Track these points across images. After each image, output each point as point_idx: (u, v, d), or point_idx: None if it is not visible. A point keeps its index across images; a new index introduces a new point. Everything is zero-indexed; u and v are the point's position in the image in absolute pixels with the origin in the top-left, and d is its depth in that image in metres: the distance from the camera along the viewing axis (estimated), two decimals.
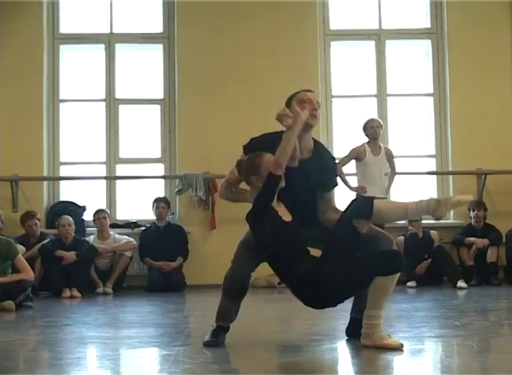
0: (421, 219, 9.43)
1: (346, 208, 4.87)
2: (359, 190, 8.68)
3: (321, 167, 4.97)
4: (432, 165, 10.42)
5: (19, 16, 10.17)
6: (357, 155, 8.90)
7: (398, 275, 4.60)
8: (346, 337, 4.86)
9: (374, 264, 4.60)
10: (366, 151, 8.92)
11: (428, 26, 10.48)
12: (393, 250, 4.86)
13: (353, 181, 8.74)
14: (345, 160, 8.87)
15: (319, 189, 5.04)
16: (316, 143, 5.01)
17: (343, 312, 5.13)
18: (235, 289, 4.86)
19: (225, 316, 4.87)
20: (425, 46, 10.50)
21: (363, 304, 4.62)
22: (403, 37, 10.56)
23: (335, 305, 4.76)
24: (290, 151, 4.60)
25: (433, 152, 10.41)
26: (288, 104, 4.88)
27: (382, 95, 10.40)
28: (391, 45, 10.42)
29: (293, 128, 4.53)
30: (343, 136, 9.87)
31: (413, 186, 10.26)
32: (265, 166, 4.64)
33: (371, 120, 9.12)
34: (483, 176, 9.97)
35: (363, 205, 4.85)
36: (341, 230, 4.83)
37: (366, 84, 10.40)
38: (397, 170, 9.37)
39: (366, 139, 9.10)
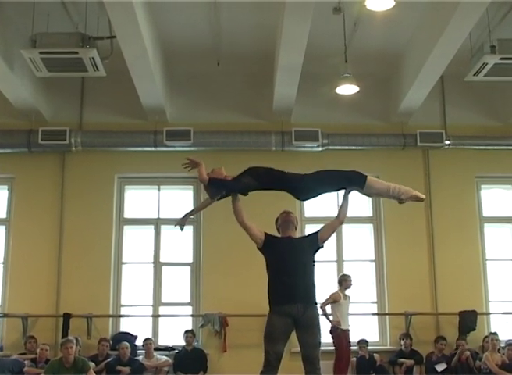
0: (367, 345, 11.29)
1: (343, 173, 5.81)
2: (336, 323, 10.13)
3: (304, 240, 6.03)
4: (374, 308, 12.28)
5: (95, 202, 12.17)
6: (335, 299, 10.33)
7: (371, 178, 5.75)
8: None
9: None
10: (341, 297, 10.42)
11: (370, 214, 12.62)
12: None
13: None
14: (328, 301, 10.15)
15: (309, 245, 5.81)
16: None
17: None
18: None
19: None
20: (369, 228, 12.63)
21: None
22: (354, 222, 12.44)
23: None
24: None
25: (375, 300, 12.23)
26: (276, 222, 6.16)
27: (340, 261, 12.32)
28: (347, 228, 12.33)
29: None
30: None
31: (362, 323, 11.94)
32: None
33: (350, 277, 10.67)
34: (409, 316, 11.75)
35: (359, 177, 5.78)
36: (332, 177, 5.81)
37: (328, 252, 11.77)
38: (352, 312, 10.86)
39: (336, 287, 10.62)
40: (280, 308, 5.68)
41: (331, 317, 10.23)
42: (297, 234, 6.23)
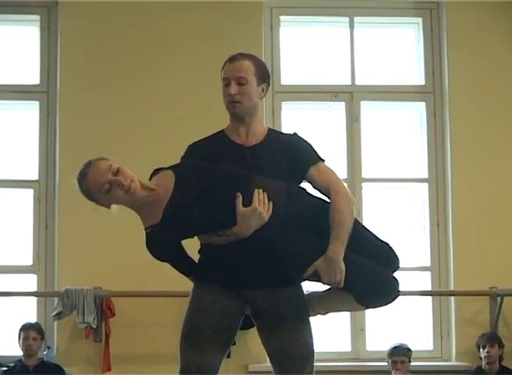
0: (410, 358, 8.17)
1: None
2: None
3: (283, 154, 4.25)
4: (426, 281, 8.95)
5: None
6: None
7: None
8: None
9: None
10: None
11: (422, 83, 9.11)
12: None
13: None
14: None
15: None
16: (273, 131, 4.41)
17: None
18: None
19: None
20: (417, 110, 9.11)
21: None
22: (386, 98, 9.13)
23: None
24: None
25: (428, 264, 8.94)
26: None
27: (355, 179, 8.96)
28: (367, 108, 8.91)
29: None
30: None
31: (399, 313, 8.69)
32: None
33: None
34: (498, 298, 8.58)
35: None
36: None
37: (334, 164, 9.16)
38: None
39: None
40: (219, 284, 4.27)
41: None
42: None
